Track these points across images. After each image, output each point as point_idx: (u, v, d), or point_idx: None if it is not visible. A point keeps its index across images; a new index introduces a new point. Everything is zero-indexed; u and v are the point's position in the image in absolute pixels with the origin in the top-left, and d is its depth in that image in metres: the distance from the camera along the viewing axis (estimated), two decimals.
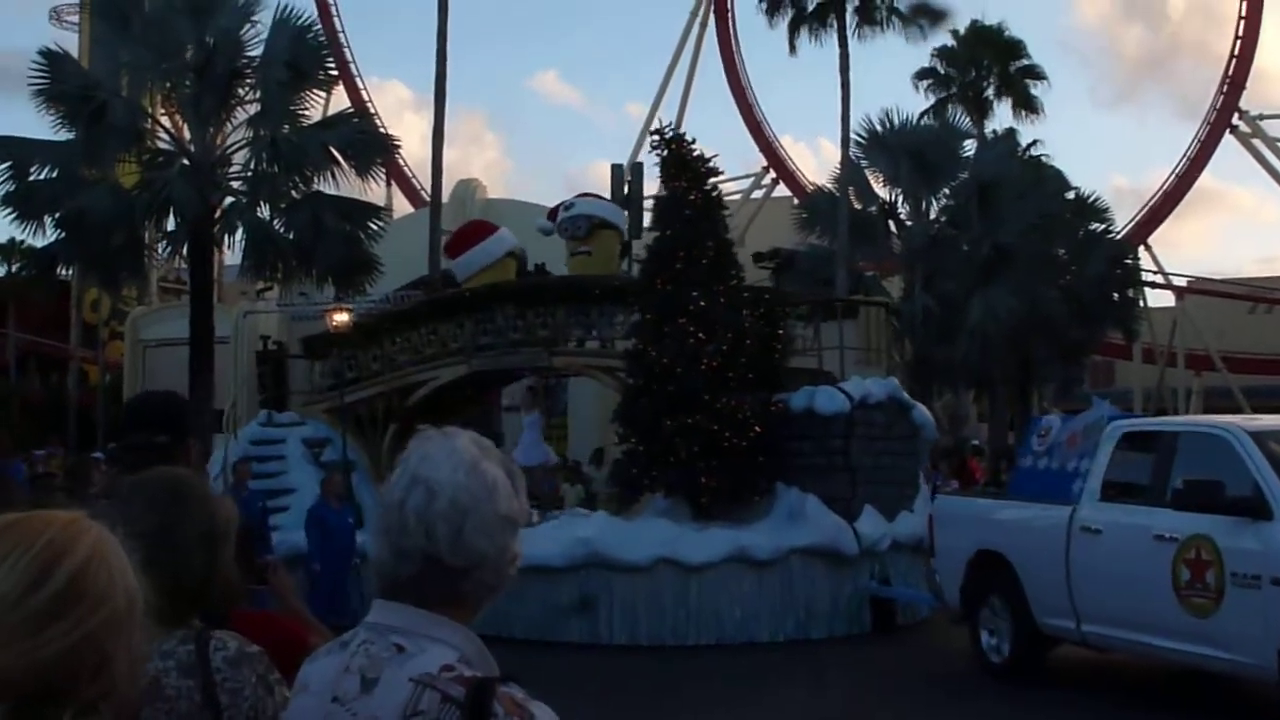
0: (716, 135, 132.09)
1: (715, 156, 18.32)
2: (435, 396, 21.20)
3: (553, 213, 22.06)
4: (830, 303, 20.61)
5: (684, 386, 17.48)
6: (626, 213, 22.20)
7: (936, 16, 32.55)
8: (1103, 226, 35.48)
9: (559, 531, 17.76)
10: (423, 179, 49.49)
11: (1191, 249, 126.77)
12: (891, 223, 32.86)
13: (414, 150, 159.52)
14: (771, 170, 56.19)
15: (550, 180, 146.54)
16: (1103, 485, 12.72)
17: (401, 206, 53.05)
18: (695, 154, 18.27)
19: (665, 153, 18.23)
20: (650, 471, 17.65)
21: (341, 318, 21.35)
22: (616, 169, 22.78)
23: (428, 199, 31.94)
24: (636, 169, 23.69)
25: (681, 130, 18.73)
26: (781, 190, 55.88)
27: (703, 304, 17.69)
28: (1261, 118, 57.24)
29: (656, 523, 17.60)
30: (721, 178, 17.72)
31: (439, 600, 2.22)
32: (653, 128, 18.45)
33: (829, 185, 33.65)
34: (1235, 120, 56.02)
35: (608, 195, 23.19)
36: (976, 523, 14.34)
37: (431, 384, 21.09)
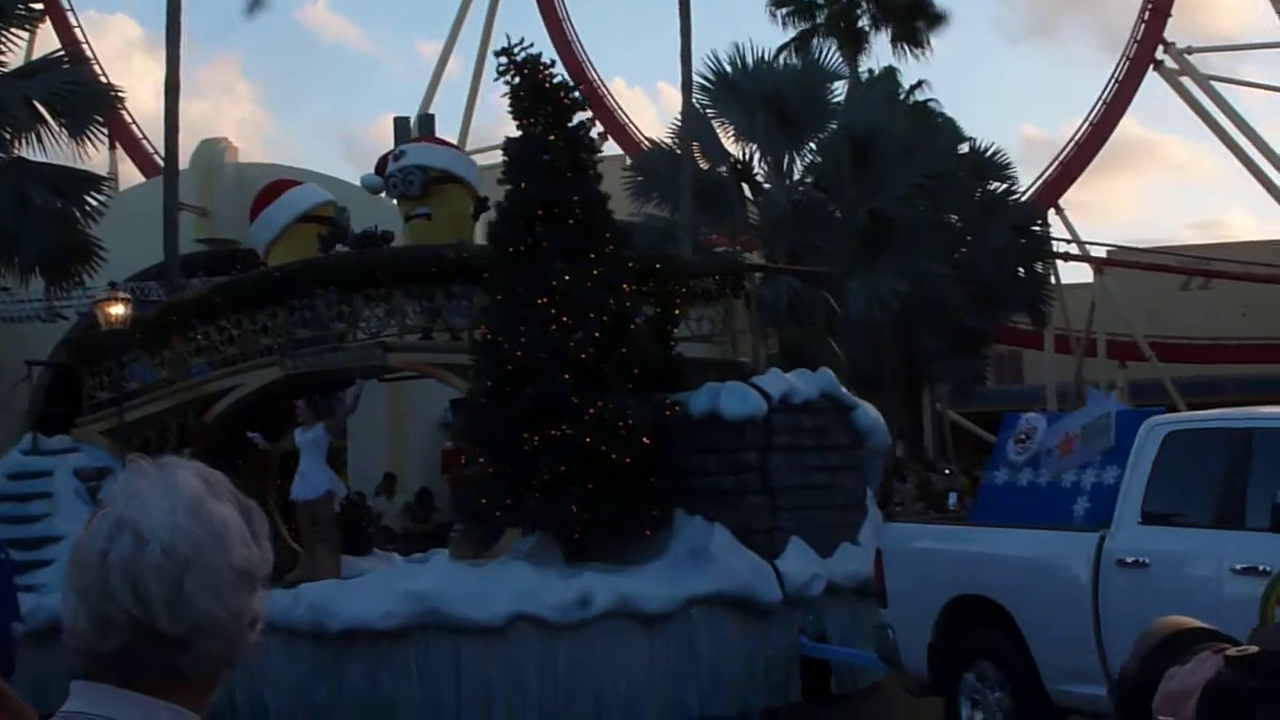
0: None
1: (580, 87, 16.67)
2: (243, 409, 19.48)
3: (381, 164, 20.40)
4: (746, 271, 18.96)
5: (547, 388, 15.86)
6: (477, 164, 20.51)
7: None
8: (1004, 187, 34.17)
9: (384, 583, 16.12)
10: (156, 140, 46.53)
11: (1112, 212, 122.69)
12: (746, 186, 31.83)
13: (145, 104, 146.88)
14: (598, 123, 53.73)
15: (323, 140, 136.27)
16: (1143, 503, 11.46)
17: (130, 176, 50.97)
18: (556, 80, 16.62)
19: (516, 80, 16.57)
20: (505, 501, 16.00)
21: (117, 310, 19.60)
22: (400, 123, 21.18)
23: (162, 165, 30.20)
24: (425, 123, 22.03)
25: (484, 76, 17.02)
26: (612, 148, 54.00)
27: (569, 279, 16.06)
28: (1191, 51, 56.30)
29: (512, 568, 15.98)
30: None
31: (155, 680, 2.12)
32: (496, 49, 16.77)
33: (668, 141, 32.14)
34: (1160, 55, 55.27)
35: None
36: (949, 559, 12.94)
37: (236, 394, 19.40)
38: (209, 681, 2.18)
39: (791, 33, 39.06)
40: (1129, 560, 11.23)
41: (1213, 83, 56.13)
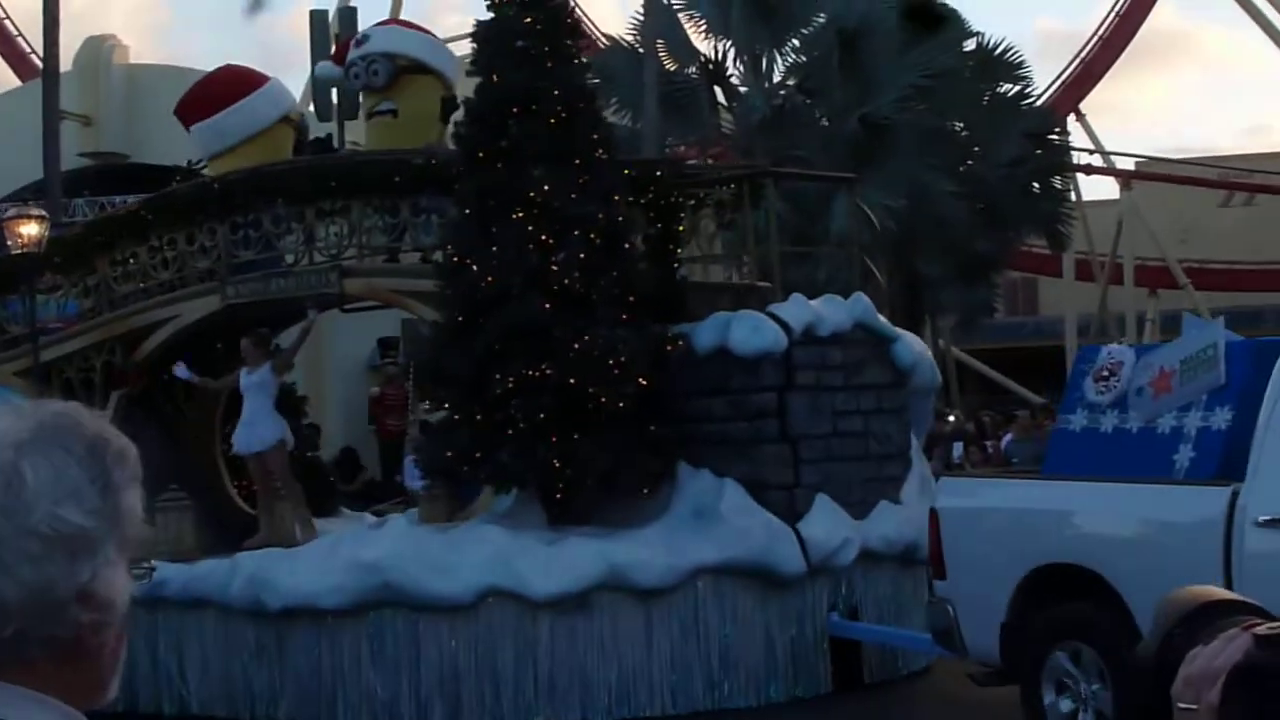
0: None
1: None
2: (180, 345, 18.21)
3: (341, 51, 19.04)
4: (768, 178, 17.52)
5: (522, 319, 14.56)
6: (452, 52, 19.08)
7: None
8: (1017, 89, 32.37)
9: (331, 552, 14.92)
10: (34, 38, 43.69)
11: (1143, 118, 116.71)
12: (719, 89, 30.57)
13: None
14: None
15: (230, 38, 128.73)
16: None
17: (3, 79, 49.71)
18: None
19: None
20: (473, 454, 14.73)
21: (29, 230, 18.31)
22: (318, 17, 19.84)
23: (40, 67, 29.36)
24: (347, 16, 20.66)
25: None
26: None
27: (549, 189, 14.72)
28: None
29: (483, 532, 14.76)
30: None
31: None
32: None
33: (629, 38, 30.84)
34: None
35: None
36: (1030, 520, 12.04)
37: (171, 326, 18.13)
38: (68, 660, 2.05)
39: None
40: (1270, 519, 10.51)
41: None
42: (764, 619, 14.92)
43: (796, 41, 29.81)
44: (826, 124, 29.15)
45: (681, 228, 15.97)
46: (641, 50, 26.77)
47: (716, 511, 14.89)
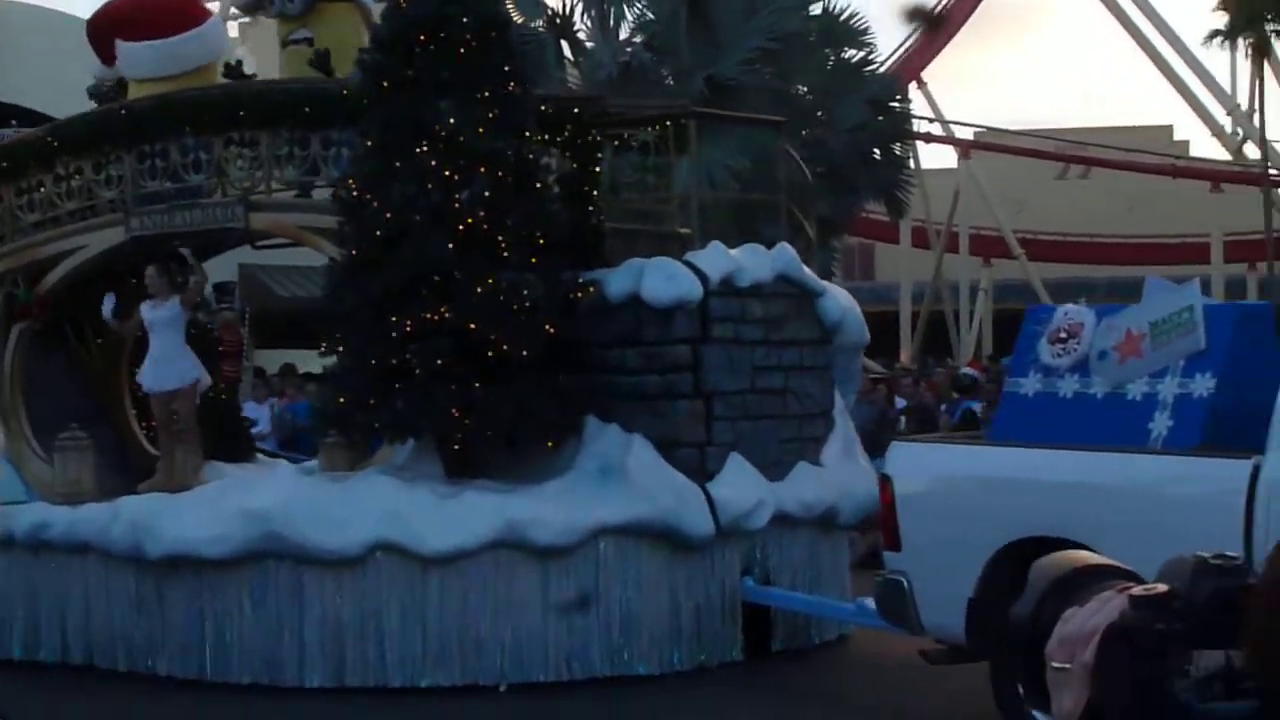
0: None
1: None
2: (84, 278, 17.25)
3: None
4: (694, 119, 16.52)
5: (421, 259, 13.65)
6: None
7: None
8: (861, 55, 31.61)
9: (217, 499, 14.03)
10: None
11: (984, 89, 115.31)
12: (566, 45, 29.85)
13: None
14: None
15: None
16: None
17: None
18: None
19: None
20: (367, 401, 13.81)
21: None
22: None
23: None
24: None
25: None
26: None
27: (454, 121, 13.79)
28: None
29: (375, 483, 13.87)
30: None
31: None
32: None
33: None
34: None
35: None
36: (1008, 489, 11.33)
37: (75, 258, 17.14)
38: None
39: None
40: None
41: None
42: (669, 582, 14.09)
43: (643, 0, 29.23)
44: (673, 83, 28.42)
45: (597, 169, 14.95)
46: None
47: (623, 468, 14.02)
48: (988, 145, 54.36)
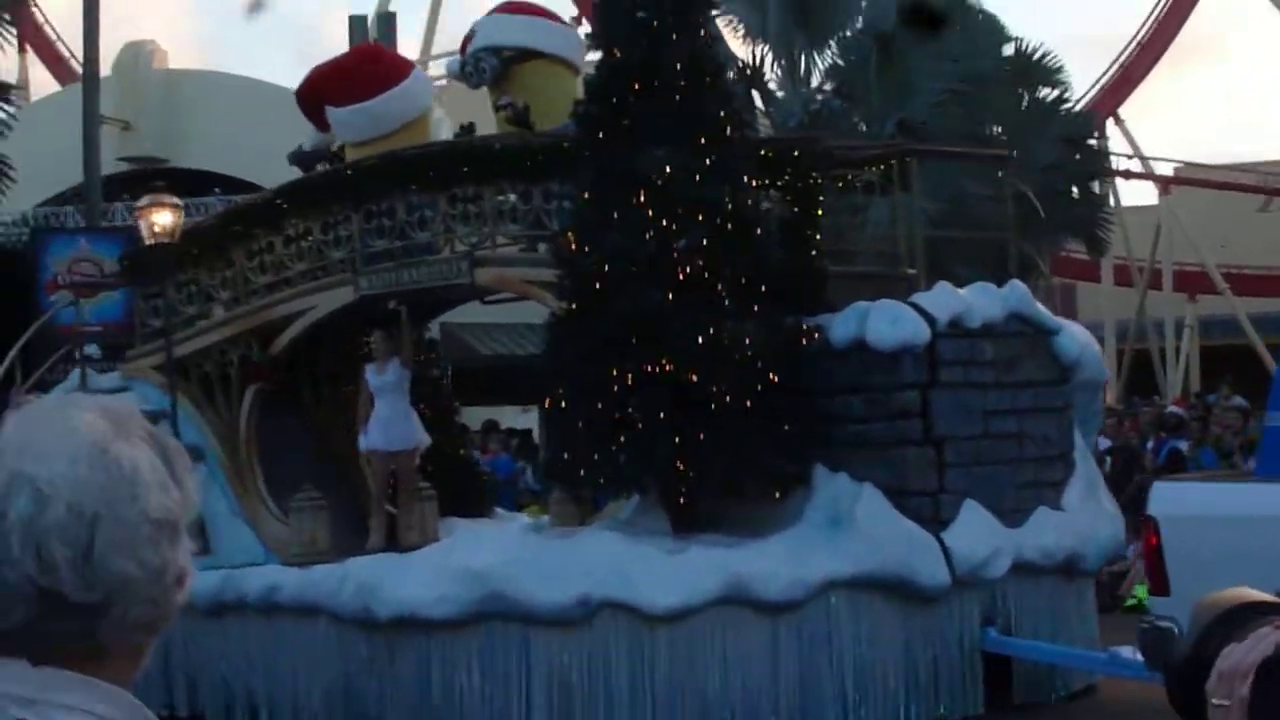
0: None
1: None
2: (315, 338, 17.32)
3: (464, 45, 17.96)
4: (919, 157, 16.06)
5: (639, 310, 13.35)
6: (583, 28, 17.86)
7: None
8: (1055, 94, 30.57)
9: (441, 560, 13.87)
10: (74, 43, 42.90)
11: (1182, 123, 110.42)
12: (757, 94, 29.19)
13: (59, 1, 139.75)
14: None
15: (267, 42, 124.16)
16: None
17: (44, 83, 48.92)
18: None
19: None
20: (591, 454, 13.55)
21: (164, 219, 17.51)
22: (357, 22, 18.83)
23: (80, 71, 28.56)
24: (385, 21, 19.60)
25: None
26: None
27: (670, 170, 13.48)
28: None
29: (600, 540, 13.60)
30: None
31: (71, 654, 2.08)
32: None
33: None
34: None
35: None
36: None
37: (306, 319, 17.22)
38: (134, 652, 2.15)
39: None
40: None
41: None
42: (904, 635, 13.61)
43: (833, 45, 28.94)
44: (864, 128, 28.11)
45: (818, 212, 14.54)
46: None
47: (853, 519, 13.56)
48: (1188, 180, 53.08)
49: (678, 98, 13.83)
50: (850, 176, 15.47)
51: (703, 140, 13.82)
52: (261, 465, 17.66)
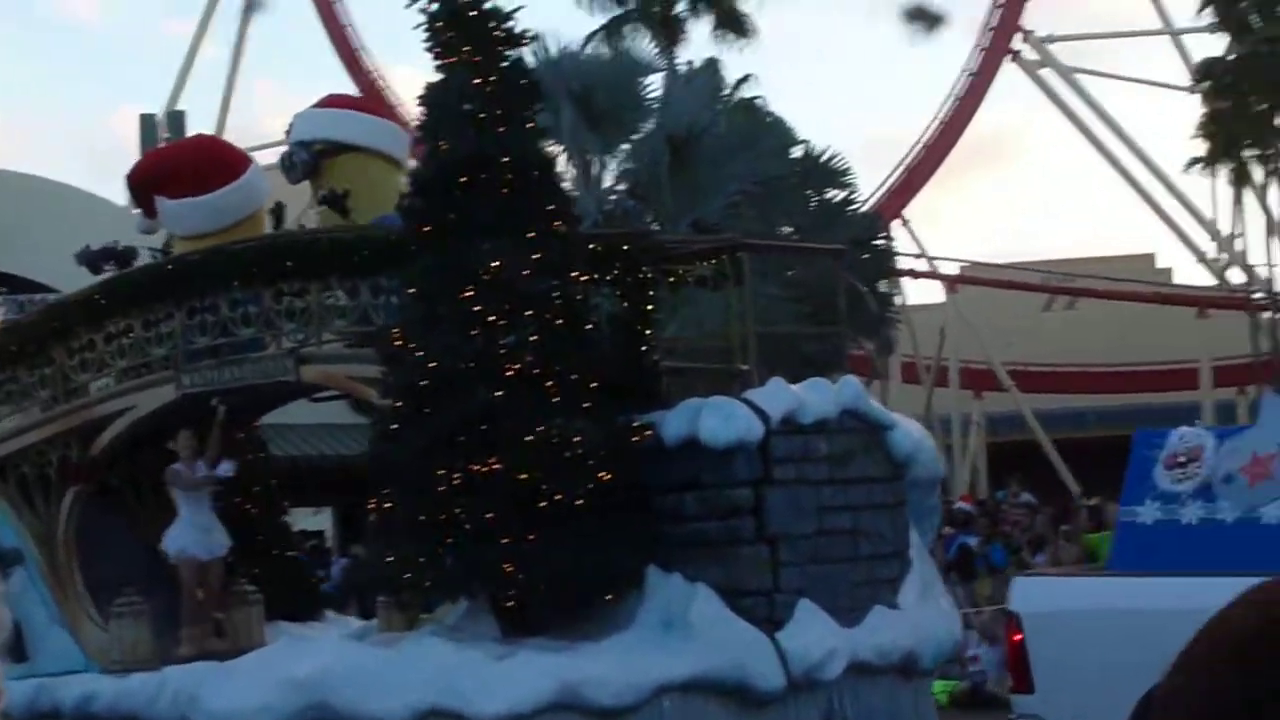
0: (297, 70, 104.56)
1: (519, 9, 13.76)
2: (137, 438, 16.71)
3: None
4: (752, 251, 15.84)
5: (468, 408, 12.95)
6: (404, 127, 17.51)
7: None
8: (843, 195, 31.08)
9: (263, 667, 13.31)
10: None
11: (967, 224, 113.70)
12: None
13: None
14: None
15: (56, 141, 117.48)
16: None
17: None
18: (486, 6, 13.71)
19: (433, 4, 13.67)
20: (418, 557, 13.08)
21: None
22: (146, 120, 18.39)
23: None
24: (176, 119, 19.25)
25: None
26: None
27: (499, 265, 13.13)
28: (1052, 40, 54.51)
29: (427, 646, 13.12)
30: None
31: None
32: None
33: None
34: (1018, 44, 53.40)
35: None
36: (1153, 621, 10.53)
37: (127, 417, 16.62)
38: None
39: (601, 19, 37.01)
40: None
41: (1077, 75, 54.15)
42: None
43: (627, 147, 28.98)
44: (658, 229, 27.69)
45: (650, 306, 14.25)
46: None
47: (687, 621, 13.21)
48: (973, 279, 54.02)
49: (505, 191, 13.51)
50: (682, 271, 15.17)
51: (532, 234, 13.49)
52: (82, 569, 17.01)
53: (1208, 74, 47.10)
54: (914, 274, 50.60)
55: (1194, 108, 48.37)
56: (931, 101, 54.40)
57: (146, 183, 17.44)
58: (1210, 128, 46.05)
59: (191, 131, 19.17)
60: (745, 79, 33.36)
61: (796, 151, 30.18)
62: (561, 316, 13.41)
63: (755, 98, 32.18)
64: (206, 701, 13.29)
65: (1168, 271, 59.42)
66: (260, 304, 15.87)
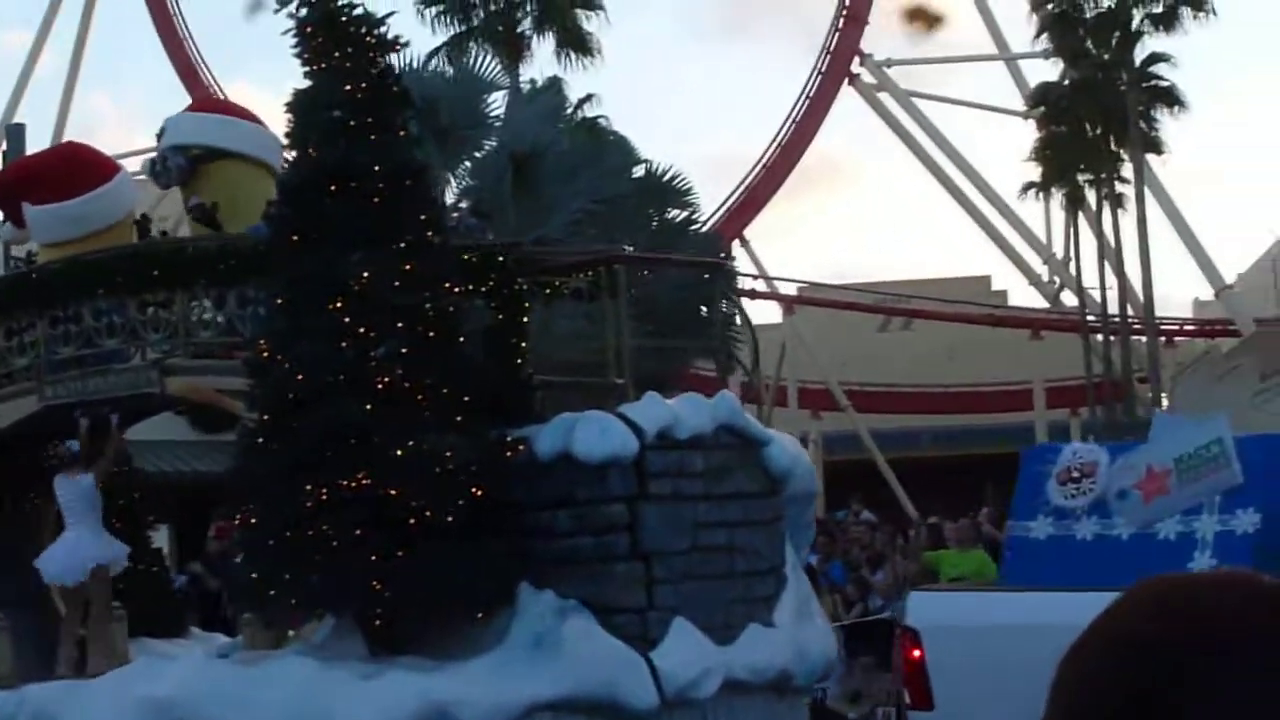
0: (134, 88, 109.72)
1: (391, 14, 13.46)
2: (2, 449, 16.23)
3: None
4: (629, 264, 15.64)
5: (336, 421, 12.61)
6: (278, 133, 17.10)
7: None
8: (685, 215, 31.23)
9: (120, 686, 12.90)
10: None
11: (806, 244, 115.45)
12: None
13: None
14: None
15: None
16: None
17: None
18: (358, 11, 13.39)
19: (302, 10, 13.33)
20: (282, 575, 12.71)
21: None
22: (14, 130, 17.91)
23: None
24: (14, 132, 18.85)
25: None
26: None
27: (367, 275, 12.80)
28: (890, 64, 55.21)
29: (290, 664, 12.74)
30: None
31: None
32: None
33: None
34: (856, 68, 54.00)
35: None
36: (1051, 636, 10.24)
37: None
38: None
39: (443, 36, 37.07)
40: None
41: (914, 99, 55.02)
42: None
43: (469, 165, 28.30)
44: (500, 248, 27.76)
45: (523, 319, 13.97)
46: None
47: (558, 639, 12.91)
48: (811, 300, 54.55)
49: (376, 200, 13.18)
50: (558, 283, 14.90)
51: (403, 244, 13.17)
52: None
53: (1043, 99, 48.48)
54: (754, 294, 51.12)
55: (1029, 132, 49.80)
56: (773, 122, 55.21)
57: (12, 189, 16.99)
58: (1045, 152, 47.27)
59: (32, 145, 18.62)
60: (588, 98, 33.23)
61: (638, 170, 30.06)
62: (433, 329, 13.10)
63: (598, 117, 32.02)
64: None
65: (1003, 294, 60.39)
66: (125, 314, 15.46)
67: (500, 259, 14.31)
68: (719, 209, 51.01)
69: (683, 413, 13.70)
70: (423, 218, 13.39)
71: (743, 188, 53.31)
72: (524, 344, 14.10)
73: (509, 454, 13.24)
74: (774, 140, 54.06)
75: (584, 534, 13.27)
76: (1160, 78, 45.93)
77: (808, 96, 53.78)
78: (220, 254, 14.94)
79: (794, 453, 14.62)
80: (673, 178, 29.47)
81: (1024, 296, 58.59)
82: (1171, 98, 45.75)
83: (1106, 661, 1.71)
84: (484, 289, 14.03)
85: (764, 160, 53.66)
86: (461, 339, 13.37)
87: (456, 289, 13.50)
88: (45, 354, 15.84)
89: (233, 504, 13.40)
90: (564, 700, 12.69)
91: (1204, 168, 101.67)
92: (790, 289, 55.13)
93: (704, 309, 26.51)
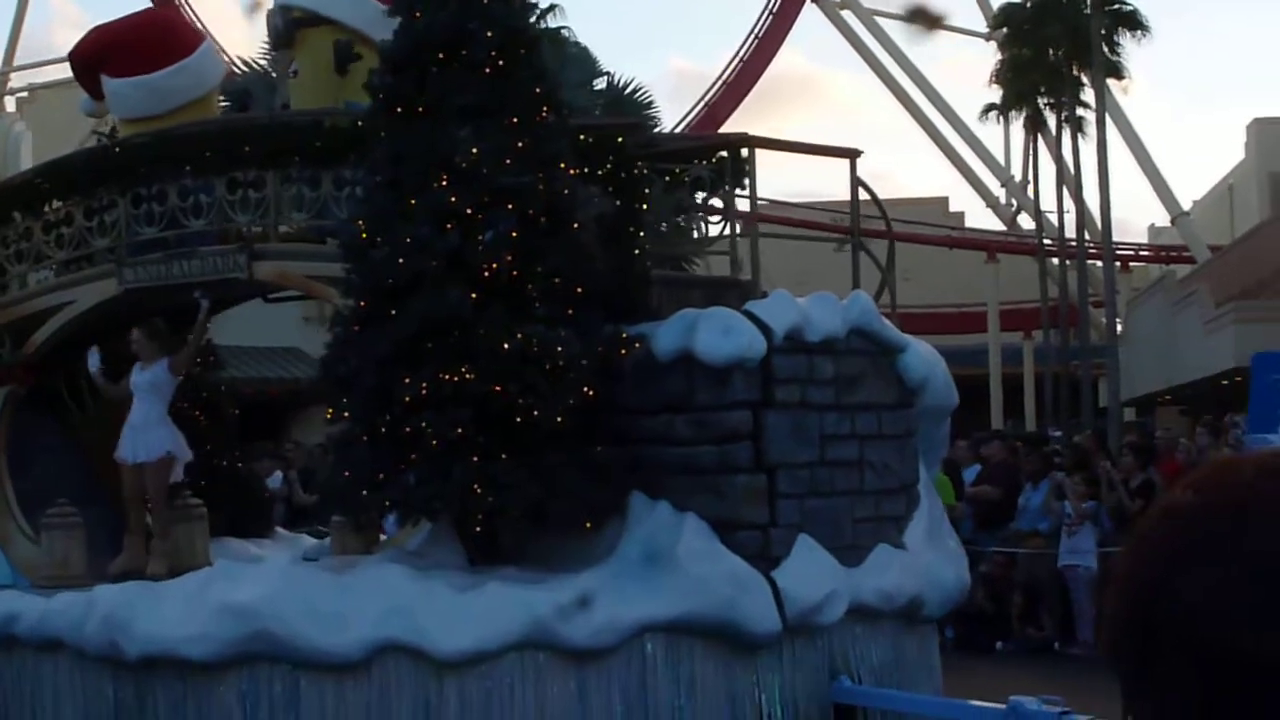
0: None
1: None
2: (75, 337, 15.20)
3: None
4: (761, 147, 14.42)
5: (438, 311, 11.52)
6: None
7: None
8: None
9: (199, 592, 11.87)
10: None
11: (763, 164, 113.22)
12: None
13: None
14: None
15: None
16: None
17: None
18: None
19: None
20: (376, 475, 11.63)
21: None
22: None
23: None
24: None
25: None
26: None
27: (475, 153, 11.65)
28: None
29: (385, 573, 11.70)
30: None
31: None
32: None
33: (265, 62, 27.92)
34: None
35: None
36: None
37: (65, 313, 15.12)
38: None
39: None
40: None
41: (877, 18, 54.59)
42: (728, 687, 11.86)
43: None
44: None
45: (643, 205, 12.77)
46: (275, 74, 23.76)
47: (673, 555, 11.82)
48: (767, 217, 53.46)
49: (487, 71, 12.02)
50: (679, 170, 13.70)
51: (513, 120, 11.99)
52: (14, 477, 15.55)
53: (1006, 21, 47.91)
54: (714, 211, 50.35)
55: (991, 54, 49.35)
56: (735, 39, 55.47)
57: (89, 61, 15.89)
58: (1006, 74, 46.83)
59: None
60: (551, 8, 32.12)
61: (599, 83, 29.06)
62: (545, 213, 11.96)
63: (561, 27, 30.91)
64: (137, 627, 11.86)
65: (960, 215, 60.01)
66: (212, 193, 14.35)
67: (619, 140, 13.08)
68: (678, 125, 50.33)
69: (813, 313, 12.52)
70: (536, 91, 12.20)
71: (703, 104, 53.47)
72: (641, 234, 12.89)
73: (624, 352, 12.12)
74: (735, 56, 54.26)
75: (703, 442, 12.13)
76: (1124, 1, 45.19)
77: (770, 13, 53.67)
78: (315, 130, 13.80)
79: (931, 361, 13.41)
80: (634, 91, 28.53)
81: (981, 219, 58.92)
82: (1134, 21, 45.06)
83: (1149, 528, 1.74)
84: (600, 172, 12.80)
85: (724, 77, 53.90)
86: (576, 226, 12.17)
87: (572, 171, 12.30)
88: (127, 234, 14.77)
89: (325, 398, 12.28)
90: (679, 621, 11.65)
91: (1165, 95, 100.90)
92: (745, 206, 54.62)
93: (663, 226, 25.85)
